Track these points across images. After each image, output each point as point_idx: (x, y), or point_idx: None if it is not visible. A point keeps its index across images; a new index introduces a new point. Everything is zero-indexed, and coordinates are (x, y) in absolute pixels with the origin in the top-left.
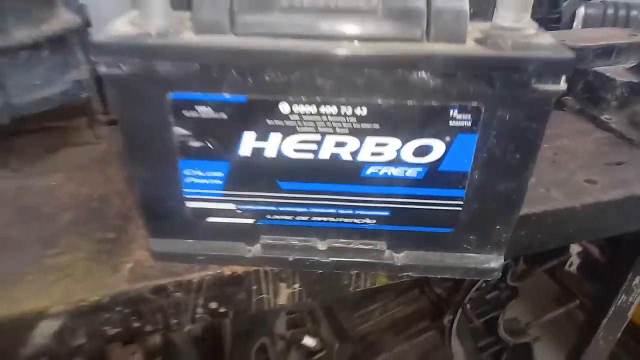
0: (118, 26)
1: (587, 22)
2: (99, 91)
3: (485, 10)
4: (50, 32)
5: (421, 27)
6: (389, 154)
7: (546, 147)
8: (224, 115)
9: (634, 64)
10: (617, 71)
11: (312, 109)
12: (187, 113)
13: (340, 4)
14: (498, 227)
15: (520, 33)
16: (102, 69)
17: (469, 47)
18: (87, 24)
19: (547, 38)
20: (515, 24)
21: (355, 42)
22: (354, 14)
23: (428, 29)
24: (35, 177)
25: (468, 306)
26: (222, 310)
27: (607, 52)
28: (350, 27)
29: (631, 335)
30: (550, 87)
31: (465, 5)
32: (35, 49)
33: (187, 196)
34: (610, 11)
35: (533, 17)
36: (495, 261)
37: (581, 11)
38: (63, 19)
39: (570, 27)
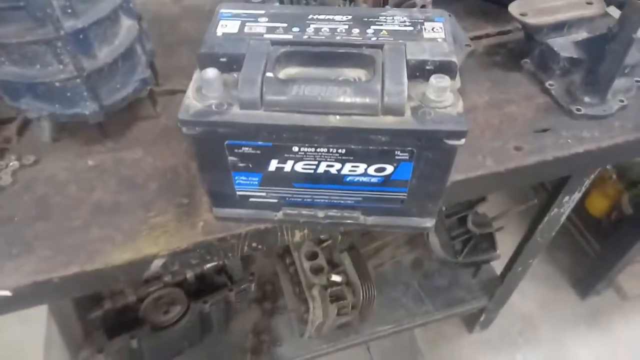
0: (190, 99)
1: None
2: (151, 67)
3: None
4: (122, 47)
5: (377, 106)
6: (360, 171)
7: (496, 113)
8: (258, 151)
9: (583, 37)
10: (564, 45)
11: (312, 149)
12: (236, 150)
13: (327, 96)
14: (429, 205)
15: (441, 104)
16: (184, 131)
17: (406, 119)
18: (142, 28)
19: (458, 108)
20: (437, 98)
21: (337, 117)
22: (336, 102)
23: (382, 106)
24: (123, 151)
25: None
26: (259, 247)
27: (560, 27)
28: (334, 106)
29: (587, 224)
30: (454, 142)
31: (404, 90)
32: (114, 63)
33: (237, 189)
34: None
35: None
36: (429, 222)
37: None
38: (126, 29)
39: None
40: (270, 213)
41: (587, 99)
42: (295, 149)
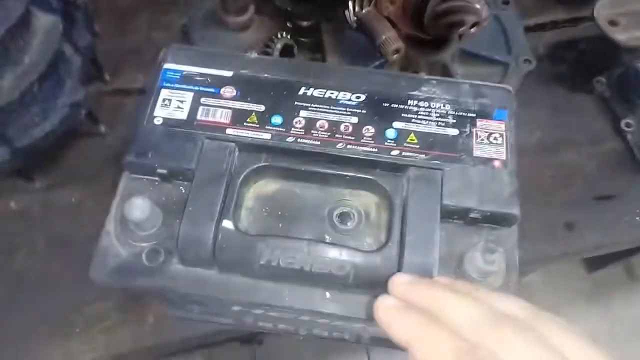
0: (110, 239)
1: None
2: (93, 61)
3: None
4: (37, 67)
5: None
6: None
7: (549, 163)
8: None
9: None
10: None
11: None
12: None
13: (315, 264)
14: None
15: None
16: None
17: None
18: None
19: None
20: (480, 278)
21: (327, 294)
22: (328, 275)
23: None
24: (56, 191)
25: None
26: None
27: None
28: (326, 280)
29: None
30: None
31: (433, 269)
32: (26, 92)
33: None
34: None
35: None
36: None
37: None
38: (44, 32)
39: None
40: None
41: None
42: (266, 324)
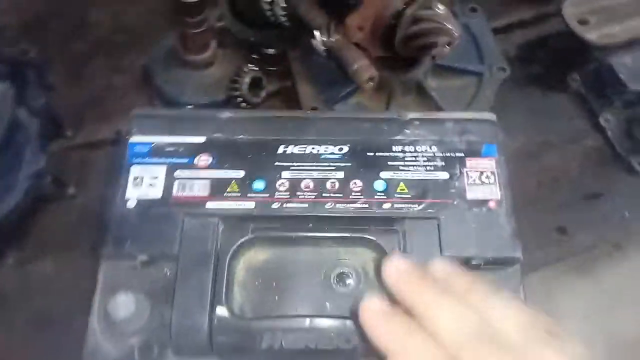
0: (96, 337)
1: None
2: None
3: None
4: None
5: None
6: None
7: (533, 169)
8: None
9: None
10: (634, 70)
11: None
12: None
13: (320, 346)
14: None
15: None
16: None
17: None
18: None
19: None
20: None
21: None
22: (331, 356)
23: None
24: (29, 263)
25: None
26: None
27: (630, 45)
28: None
29: None
30: None
31: None
32: None
33: None
34: None
35: None
36: None
37: None
38: None
39: None
40: None
41: None
42: None
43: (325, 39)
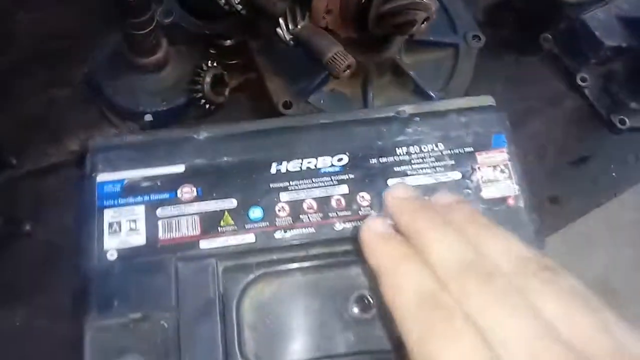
0: None
1: None
2: None
3: None
4: None
5: None
6: None
7: (517, 138)
8: None
9: (632, 14)
10: (607, 24)
11: None
12: None
13: None
14: None
15: None
16: None
17: None
18: None
19: None
20: None
21: None
22: None
23: None
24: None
25: None
26: None
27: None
28: None
29: None
30: None
31: None
32: None
33: None
34: None
35: None
36: None
37: None
38: None
39: None
40: None
41: (634, 105)
42: None
43: (290, 27)
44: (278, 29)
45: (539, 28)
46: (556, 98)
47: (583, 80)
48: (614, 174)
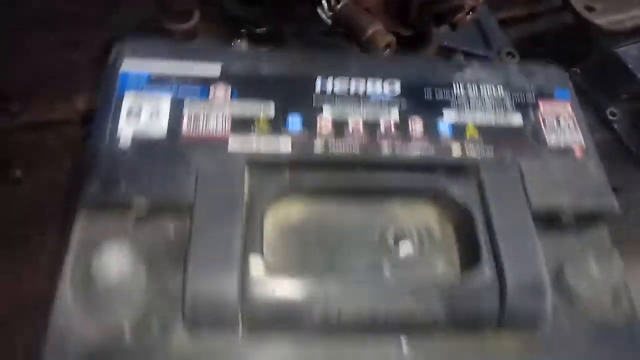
0: (71, 312)
1: None
2: None
3: None
4: None
5: (490, 318)
6: None
7: None
8: None
9: None
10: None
11: None
12: None
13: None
14: None
15: (599, 307)
16: None
17: (540, 343)
18: None
19: (626, 308)
20: (594, 295)
21: (403, 343)
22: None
23: (499, 318)
24: None
25: None
26: None
27: (636, 33)
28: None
29: None
30: None
31: (546, 290)
32: None
33: None
34: None
35: None
36: None
37: None
38: None
39: None
40: None
41: None
42: None
43: (332, 3)
44: (319, 8)
45: (568, 62)
46: None
47: (612, 114)
48: None
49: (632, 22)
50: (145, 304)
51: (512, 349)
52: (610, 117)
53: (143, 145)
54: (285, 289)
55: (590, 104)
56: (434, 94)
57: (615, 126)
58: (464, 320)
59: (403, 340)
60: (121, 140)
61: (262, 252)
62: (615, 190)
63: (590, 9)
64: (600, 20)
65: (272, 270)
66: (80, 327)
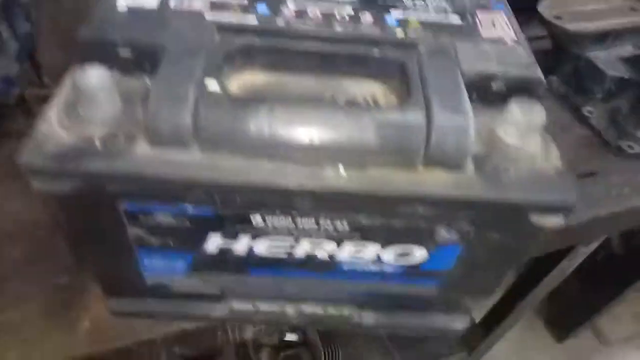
0: (51, 125)
1: None
2: (31, 60)
3: None
4: None
5: (417, 152)
6: (368, 255)
7: None
8: (186, 223)
9: (629, 53)
10: (609, 61)
11: (288, 221)
12: (144, 218)
13: (321, 131)
14: (469, 301)
15: (525, 154)
16: (36, 185)
17: (467, 179)
18: None
19: (554, 161)
20: (519, 143)
21: (341, 169)
22: (339, 144)
23: (426, 153)
24: None
25: None
26: (185, 352)
27: (602, 38)
28: (335, 152)
29: None
30: (546, 220)
31: (469, 125)
32: None
33: (147, 275)
34: None
35: None
36: (460, 323)
37: None
38: None
39: None
40: (207, 306)
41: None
42: (257, 219)
43: None
44: None
45: (546, 72)
46: (566, 126)
47: (590, 112)
48: (626, 189)
49: (596, 27)
50: (114, 124)
51: (440, 183)
52: (588, 115)
53: (135, 12)
54: (238, 104)
55: (569, 105)
56: (387, 2)
57: (593, 122)
58: (391, 150)
59: (340, 166)
60: (118, 8)
61: (219, 78)
62: (592, 174)
63: (558, 17)
64: (569, 26)
65: (227, 93)
66: (59, 133)
